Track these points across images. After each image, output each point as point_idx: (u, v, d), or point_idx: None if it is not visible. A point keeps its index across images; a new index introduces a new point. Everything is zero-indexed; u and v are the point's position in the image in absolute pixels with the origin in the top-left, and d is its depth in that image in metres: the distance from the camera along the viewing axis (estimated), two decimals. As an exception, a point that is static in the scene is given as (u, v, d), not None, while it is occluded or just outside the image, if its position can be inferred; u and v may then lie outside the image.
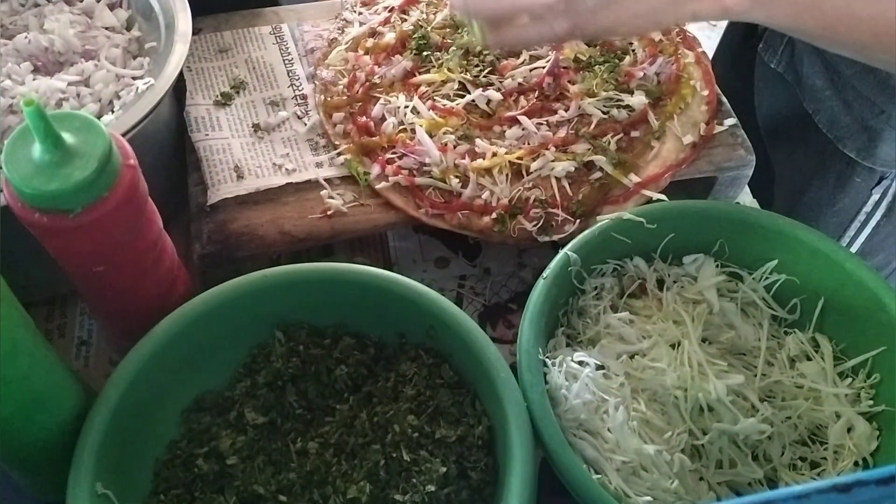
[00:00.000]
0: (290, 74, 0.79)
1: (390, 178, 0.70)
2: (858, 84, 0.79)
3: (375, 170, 0.71)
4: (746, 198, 0.80)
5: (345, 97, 0.75)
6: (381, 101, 0.74)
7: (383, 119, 0.73)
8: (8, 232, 0.53)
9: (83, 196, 0.48)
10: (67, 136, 0.48)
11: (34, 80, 0.64)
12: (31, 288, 0.59)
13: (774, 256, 0.67)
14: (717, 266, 0.68)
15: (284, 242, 0.68)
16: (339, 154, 0.72)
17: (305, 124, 0.75)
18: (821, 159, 0.85)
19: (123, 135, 0.60)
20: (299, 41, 0.82)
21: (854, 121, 0.81)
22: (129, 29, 0.72)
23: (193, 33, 0.77)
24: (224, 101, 0.76)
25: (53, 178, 0.48)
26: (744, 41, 0.93)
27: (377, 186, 0.70)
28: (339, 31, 0.81)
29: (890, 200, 0.86)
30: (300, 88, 0.78)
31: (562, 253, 0.64)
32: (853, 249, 0.93)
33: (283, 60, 0.80)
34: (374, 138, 0.72)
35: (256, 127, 0.74)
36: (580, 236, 0.65)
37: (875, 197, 0.86)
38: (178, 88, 0.75)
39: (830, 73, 0.80)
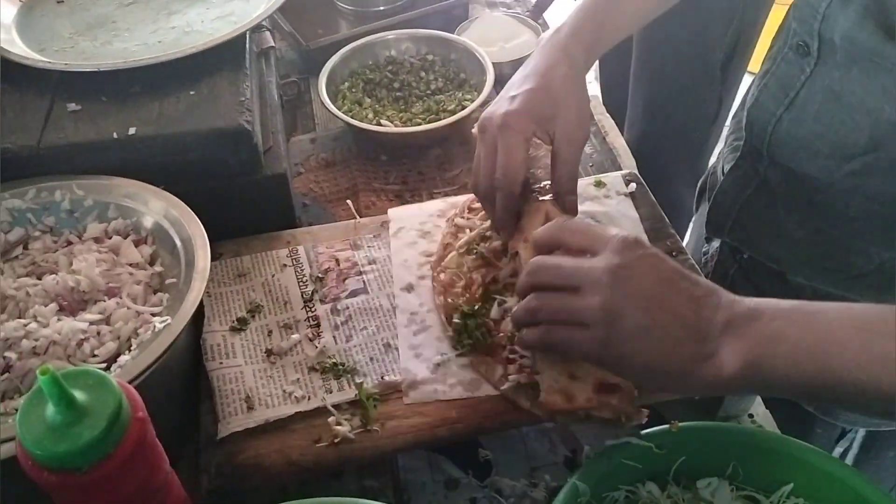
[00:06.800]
0: (304, 296, 0.82)
1: (510, 377, 0.71)
2: None
3: (498, 371, 0.72)
4: (760, 408, 0.79)
5: (463, 298, 0.78)
6: (498, 300, 0.77)
7: (502, 318, 0.75)
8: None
9: (91, 454, 0.50)
10: (79, 394, 0.50)
11: (58, 320, 0.68)
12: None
13: (789, 480, 0.65)
14: (732, 489, 0.66)
15: (291, 473, 0.68)
16: (461, 356, 0.74)
17: (316, 347, 0.77)
18: (784, 414, 0.82)
19: (139, 376, 0.62)
20: (314, 263, 0.86)
21: None
22: (152, 263, 0.76)
23: (214, 258, 0.81)
24: (240, 326, 0.79)
25: (63, 438, 0.49)
26: None
27: (502, 388, 0.71)
28: (453, 236, 0.85)
29: (856, 453, 0.86)
30: (313, 310, 0.81)
31: (570, 483, 0.63)
32: None
33: (298, 282, 0.84)
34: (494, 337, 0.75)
35: (269, 352, 0.76)
36: (588, 463, 0.65)
37: (838, 450, 0.86)
38: (196, 314, 0.78)
39: None
